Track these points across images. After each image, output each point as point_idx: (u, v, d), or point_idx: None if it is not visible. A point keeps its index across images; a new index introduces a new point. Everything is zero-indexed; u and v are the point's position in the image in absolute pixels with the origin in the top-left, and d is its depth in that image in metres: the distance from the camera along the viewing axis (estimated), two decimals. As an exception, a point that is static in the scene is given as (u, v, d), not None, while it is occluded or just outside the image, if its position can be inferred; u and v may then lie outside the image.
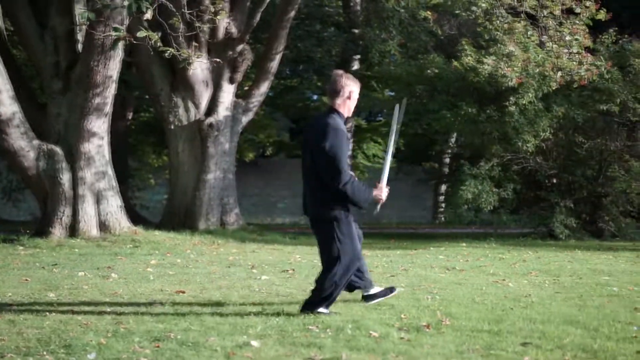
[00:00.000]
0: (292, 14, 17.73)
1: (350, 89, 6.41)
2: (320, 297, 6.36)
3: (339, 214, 6.27)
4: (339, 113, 6.38)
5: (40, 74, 14.55)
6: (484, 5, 14.48)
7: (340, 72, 6.60)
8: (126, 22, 12.29)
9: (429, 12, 15.16)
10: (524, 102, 15.57)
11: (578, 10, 14.51)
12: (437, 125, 17.78)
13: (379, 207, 6.65)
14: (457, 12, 15.90)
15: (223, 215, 17.20)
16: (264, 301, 7.14)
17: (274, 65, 18.03)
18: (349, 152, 6.32)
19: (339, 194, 6.20)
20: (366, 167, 31.22)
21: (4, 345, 5.17)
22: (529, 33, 14.36)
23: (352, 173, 6.30)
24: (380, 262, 10.97)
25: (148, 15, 7.51)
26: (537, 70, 14.71)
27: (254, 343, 5.25)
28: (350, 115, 6.52)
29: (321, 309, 6.35)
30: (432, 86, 17.91)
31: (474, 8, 14.75)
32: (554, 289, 8.26)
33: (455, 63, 15.84)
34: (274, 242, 15.07)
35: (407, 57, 20.86)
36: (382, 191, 6.53)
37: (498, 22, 14.76)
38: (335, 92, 6.41)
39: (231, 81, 17.26)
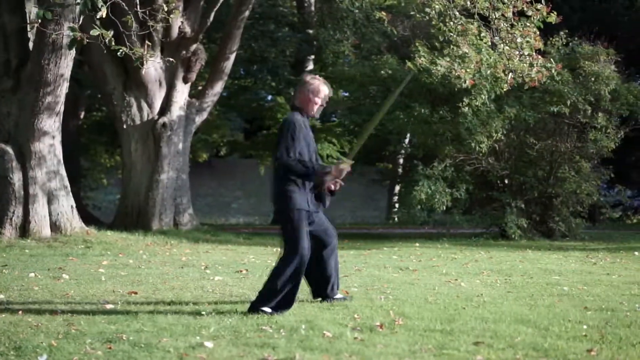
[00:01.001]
0: (246, 13, 17.71)
1: (309, 88, 6.75)
2: (263, 294, 6.47)
3: (290, 205, 6.45)
4: (299, 110, 6.74)
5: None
6: (437, 7, 14.55)
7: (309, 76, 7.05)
8: (78, 20, 12.16)
9: (383, 13, 15.20)
10: (477, 103, 15.72)
11: (529, 12, 14.66)
12: (391, 126, 17.87)
13: (328, 197, 6.77)
14: (411, 13, 15.97)
15: (176, 215, 17.12)
16: (218, 301, 7.11)
17: (228, 65, 17.99)
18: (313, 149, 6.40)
19: (285, 179, 6.47)
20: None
21: (-48, 348, 5.08)
22: (482, 35, 14.47)
23: (318, 164, 6.64)
24: (334, 262, 10.97)
25: (102, 13, 7.44)
26: (489, 71, 14.86)
27: (208, 344, 5.23)
28: (312, 113, 6.81)
29: (265, 308, 6.36)
30: (385, 87, 18.00)
31: (427, 9, 14.81)
32: (506, 288, 8.35)
33: (408, 64, 15.90)
34: (227, 242, 15.02)
35: (361, 58, 20.95)
36: (340, 171, 6.65)
37: (452, 23, 14.87)
38: (295, 92, 6.91)
39: (185, 81, 17.19)
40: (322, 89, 6.77)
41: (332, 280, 6.99)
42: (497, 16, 14.44)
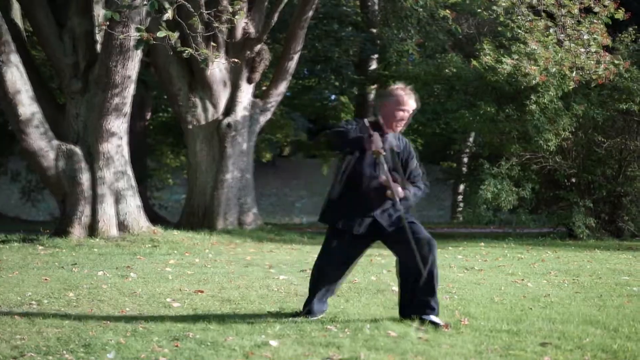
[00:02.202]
0: (310, 13, 17.74)
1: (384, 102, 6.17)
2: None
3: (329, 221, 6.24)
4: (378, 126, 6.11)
5: (59, 75, 14.60)
6: (504, 4, 14.42)
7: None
8: (145, 22, 12.33)
9: (447, 11, 15.09)
10: (544, 100, 15.52)
11: (596, 9, 14.44)
12: (456, 125, 17.74)
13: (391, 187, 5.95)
14: (477, 11, 15.85)
15: (241, 215, 17.22)
16: (282, 301, 7.14)
17: (292, 65, 18.04)
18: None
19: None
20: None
21: (24, 344, 5.19)
22: (551, 31, 14.30)
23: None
24: (398, 262, 10.93)
25: (169, 15, 7.53)
26: (555, 69, 14.67)
27: (273, 342, 5.26)
28: (396, 129, 6.13)
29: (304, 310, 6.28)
30: (450, 85, 17.88)
31: (494, 7, 14.69)
32: (574, 288, 8.22)
33: (474, 62, 15.80)
34: (291, 241, 15.07)
35: (425, 57, 20.83)
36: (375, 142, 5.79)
37: (520, 20, 14.72)
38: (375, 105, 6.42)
39: (249, 81, 17.29)
40: (408, 101, 6.06)
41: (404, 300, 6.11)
42: (563, 13, 14.25)
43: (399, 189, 5.94)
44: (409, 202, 6.03)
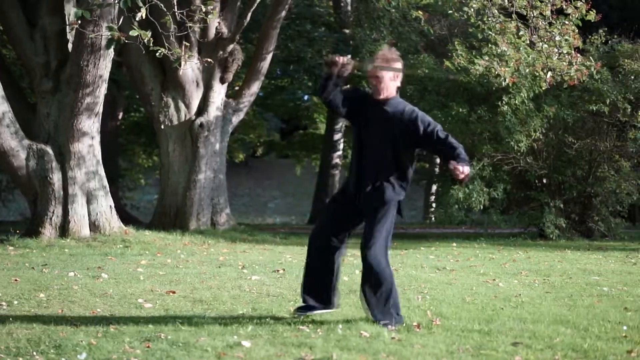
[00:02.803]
0: (283, 14, 17.74)
1: None
2: None
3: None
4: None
5: (29, 74, 14.49)
6: (475, 5, 14.49)
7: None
8: (117, 21, 12.26)
9: (420, 12, 15.13)
10: (516, 102, 15.62)
11: (568, 10, 14.54)
12: (428, 125, 17.78)
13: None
14: (449, 12, 15.91)
15: (214, 215, 17.19)
16: (255, 301, 7.13)
17: (265, 65, 18.03)
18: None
19: None
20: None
21: (-7, 346, 5.16)
22: (520, 33, 14.38)
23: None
24: (371, 262, 10.95)
25: (142, 13, 7.49)
26: (528, 70, 14.77)
27: (245, 343, 5.25)
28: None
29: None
30: (422, 86, 17.94)
31: (465, 8, 14.75)
32: (544, 288, 8.28)
33: (446, 63, 15.85)
34: (264, 242, 15.06)
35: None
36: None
37: (490, 21, 14.80)
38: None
39: (222, 81, 17.25)
40: (375, 60, 6.19)
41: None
42: (535, 14, 14.34)
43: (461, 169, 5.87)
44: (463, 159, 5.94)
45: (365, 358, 4.93)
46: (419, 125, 5.95)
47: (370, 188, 5.96)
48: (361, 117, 6.06)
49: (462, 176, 5.84)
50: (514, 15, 14.33)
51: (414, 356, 4.99)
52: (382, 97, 6.03)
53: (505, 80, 14.42)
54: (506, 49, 14.33)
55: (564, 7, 14.23)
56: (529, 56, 14.49)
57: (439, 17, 19.87)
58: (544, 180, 17.26)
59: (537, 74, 14.75)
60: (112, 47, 8.07)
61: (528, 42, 14.41)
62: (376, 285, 5.91)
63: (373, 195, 5.95)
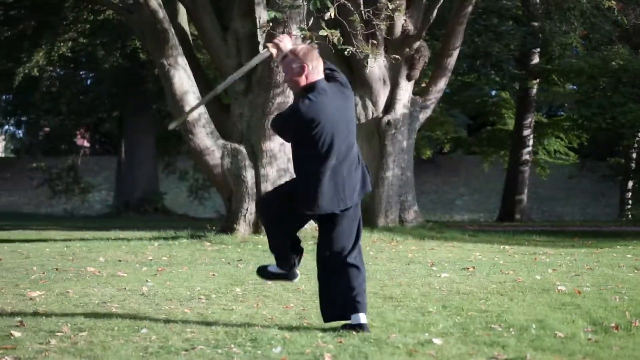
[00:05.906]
0: (469, 9, 17.52)
1: None
2: None
3: None
4: None
5: (223, 76, 15.02)
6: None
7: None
8: (306, 22, 12.51)
9: (612, 2, 14.56)
10: None
11: None
12: (623, 119, 17.13)
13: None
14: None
15: (402, 212, 17.21)
16: (445, 299, 7.08)
17: (451, 61, 17.87)
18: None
19: None
20: (547, 163, 30.44)
21: (194, 338, 5.37)
22: None
23: None
24: (564, 261, 10.65)
25: (331, 13, 7.61)
26: None
27: (436, 341, 5.22)
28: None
29: (271, 268, 6.13)
30: (616, 78, 17.28)
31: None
32: None
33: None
34: (453, 239, 14.92)
35: (590, 49, 20.19)
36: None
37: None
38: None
39: (408, 78, 17.25)
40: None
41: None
42: None
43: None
44: None
45: (560, 359, 4.79)
46: None
47: None
48: None
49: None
50: None
51: (612, 358, 4.81)
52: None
53: None
54: None
55: None
56: None
57: (634, 6, 19.05)
58: None
59: None
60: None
61: None
62: None
63: None
